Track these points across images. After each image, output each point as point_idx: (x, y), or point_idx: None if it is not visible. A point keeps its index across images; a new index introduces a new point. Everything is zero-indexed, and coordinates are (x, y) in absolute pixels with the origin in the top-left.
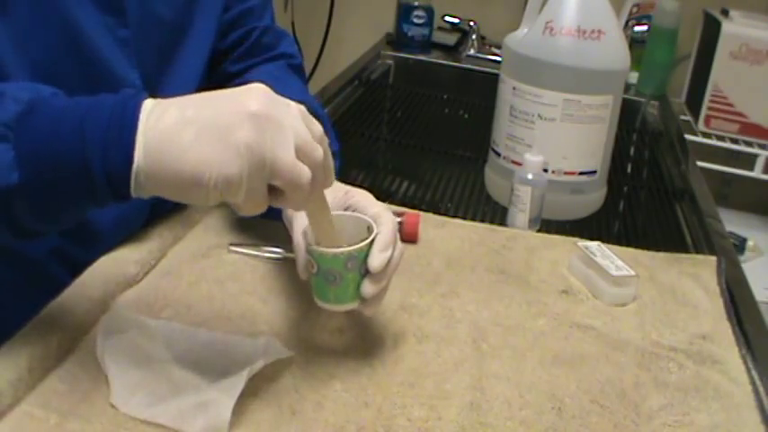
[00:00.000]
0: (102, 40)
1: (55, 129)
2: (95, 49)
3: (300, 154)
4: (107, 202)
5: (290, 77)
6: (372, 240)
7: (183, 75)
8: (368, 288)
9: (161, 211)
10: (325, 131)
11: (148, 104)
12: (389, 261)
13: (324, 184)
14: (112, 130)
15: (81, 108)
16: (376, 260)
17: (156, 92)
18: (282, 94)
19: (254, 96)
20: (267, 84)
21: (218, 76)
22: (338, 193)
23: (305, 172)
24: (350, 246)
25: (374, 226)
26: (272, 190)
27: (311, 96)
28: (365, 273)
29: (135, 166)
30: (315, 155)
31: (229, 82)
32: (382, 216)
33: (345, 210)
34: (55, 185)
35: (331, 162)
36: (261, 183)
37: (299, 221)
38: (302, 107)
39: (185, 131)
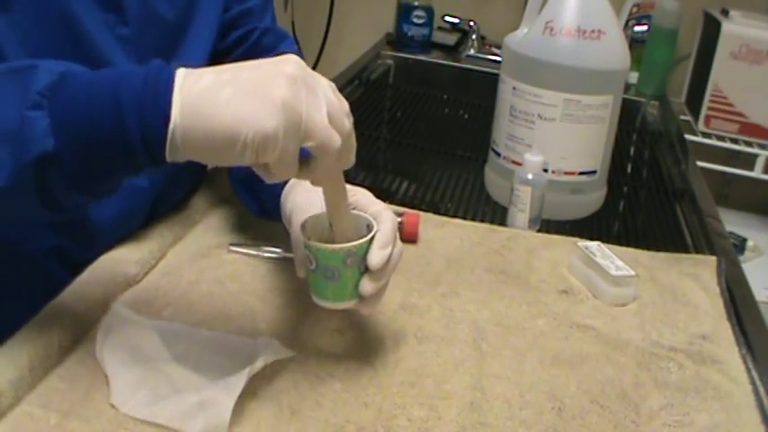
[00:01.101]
0: (102, 38)
1: (89, 95)
2: (96, 47)
3: (332, 120)
4: (143, 166)
5: None
6: (372, 238)
7: None
8: (367, 286)
9: (161, 211)
10: None
11: (183, 71)
12: (389, 259)
13: (347, 159)
14: (148, 93)
15: (115, 76)
16: (375, 257)
17: None
18: None
19: (290, 63)
20: None
21: None
22: (340, 192)
23: (336, 137)
24: (349, 243)
25: (374, 224)
26: (301, 162)
27: None
28: (364, 270)
29: (172, 125)
30: (345, 124)
31: None
32: (382, 214)
33: None
34: (91, 151)
35: (354, 141)
36: (295, 142)
37: (298, 218)
38: (332, 83)
39: (223, 90)
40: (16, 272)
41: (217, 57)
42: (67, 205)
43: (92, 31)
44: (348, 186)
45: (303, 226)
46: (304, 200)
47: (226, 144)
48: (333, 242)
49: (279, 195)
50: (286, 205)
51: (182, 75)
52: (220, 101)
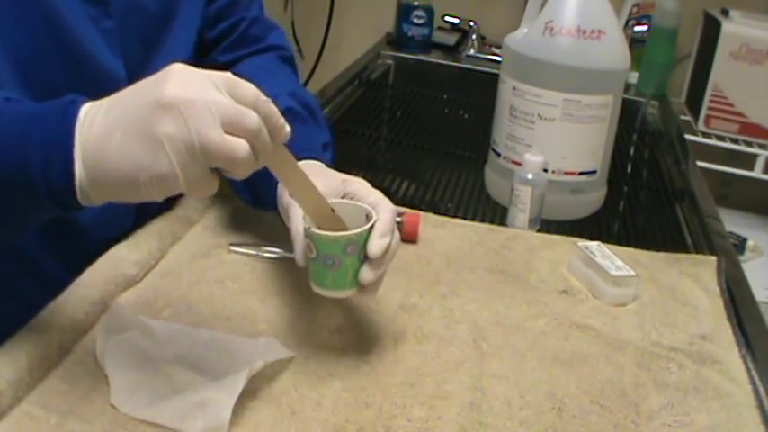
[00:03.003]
0: (85, 31)
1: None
2: (79, 41)
3: (229, 128)
4: (52, 213)
5: (281, 69)
6: (372, 226)
7: (166, 65)
8: (367, 274)
9: (149, 210)
10: (316, 121)
11: (82, 113)
12: (388, 248)
13: (279, 136)
14: (52, 146)
15: (24, 119)
16: (375, 246)
17: (141, 80)
18: (270, 86)
19: (167, 82)
20: (259, 75)
21: (208, 66)
22: (335, 182)
23: (238, 146)
24: (350, 231)
25: (373, 213)
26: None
27: (302, 87)
28: (364, 259)
29: (77, 182)
30: (246, 122)
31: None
32: (381, 204)
33: (343, 198)
34: None
35: (277, 118)
36: (199, 169)
37: (297, 208)
38: (228, 74)
39: (112, 137)
40: (8, 268)
41: (205, 48)
42: None
43: (75, 26)
44: (345, 176)
45: (305, 216)
46: None
47: (131, 190)
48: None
49: (274, 186)
50: (284, 196)
51: (80, 120)
52: (112, 149)
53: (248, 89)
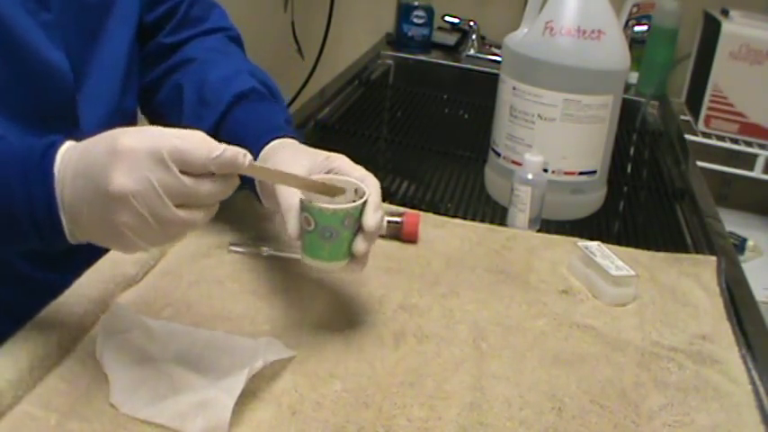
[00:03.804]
0: (24, 25)
1: None
2: (19, 35)
3: (183, 202)
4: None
5: (233, 49)
6: (365, 201)
7: (110, 54)
8: (361, 245)
9: None
10: (276, 99)
11: (56, 174)
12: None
13: (244, 170)
14: (38, 204)
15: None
16: (371, 219)
17: (85, 72)
18: (228, 67)
19: (115, 171)
20: (213, 57)
21: (155, 49)
22: (319, 158)
23: (192, 218)
24: (347, 204)
25: (363, 188)
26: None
27: (254, 65)
28: (356, 231)
29: (67, 233)
30: (197, 196)
31: (170, 54)
32: (367, 178)
33: (327, 173)
34: None
35: (235, 162)
36: (164, 236)
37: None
38: (174, 144)
39: (81, 213)
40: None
41: (148, 32)
42: None
43: (13, 20)
44: (327, 153)
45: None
46: (288, 167)
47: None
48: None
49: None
50: None
51: (57, 180)
52: (84, 225)
53: (197, 157)
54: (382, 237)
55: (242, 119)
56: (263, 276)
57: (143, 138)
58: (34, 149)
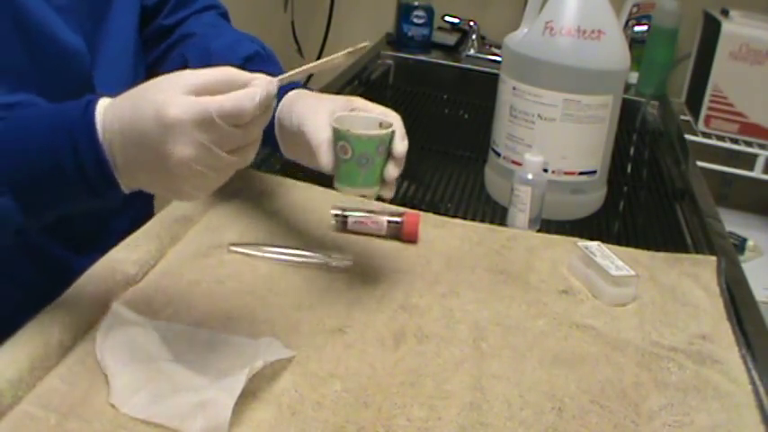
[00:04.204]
0: (41, 10)
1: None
2: (37, 20)
3: (236, 148)
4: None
5: (226, 24)
6: (393, 130)
7: (118, 36)
8: (392, 170)
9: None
10: (274, 60)
11: (100, 130)
12: None
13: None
14: (85, 158)
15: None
16: (400, 146)
17: (98, 55)
18: (228, 38)
19: (172, 141)
20: (212, 31)
21: (155, 30)
22: (339, 101)
23: (246, 156)
24: (381, 131)
25: (387, 120)
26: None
27: (246, 34)
28: (386, 159)
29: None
30: (247, 138)
31: (168, 34)
32: (389, 113)
33: (351, 112)
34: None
35: (270, 92)
36: (220, 180)
37: (313, 121)
38: (216, 113)
39: (137, 176)
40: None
41: (148, 16)
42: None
43: (31, 6)
44: (345, 97)
45: (338, 119)
46: (313, 110)
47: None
48: None
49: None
50: (291, 118)
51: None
52: (141, 182)
53: (245, 110)
54: (382, 237)
55: None
56: (263, 276)
57: (189, 106)
58: (73, 107)
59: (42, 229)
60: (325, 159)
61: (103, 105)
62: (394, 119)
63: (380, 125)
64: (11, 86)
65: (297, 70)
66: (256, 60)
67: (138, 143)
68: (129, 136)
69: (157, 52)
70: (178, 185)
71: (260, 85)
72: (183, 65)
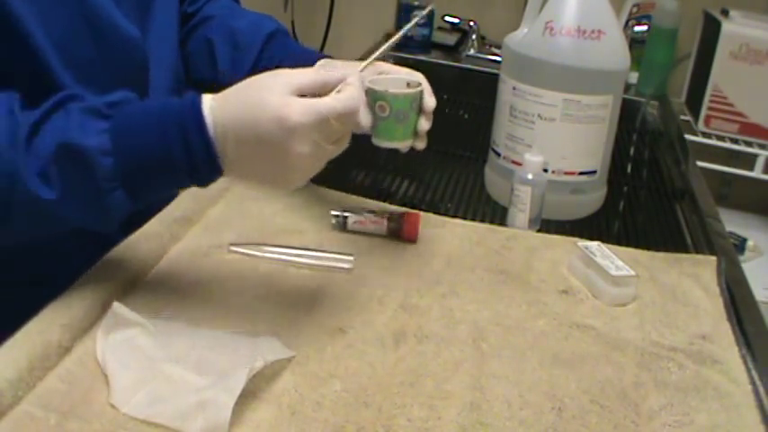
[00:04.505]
0: (105, 3)
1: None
2: (101, 13)
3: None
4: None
5: (238, 7)
6: (422, 88)
7: (162, 25)
8: (425, 124)
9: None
10: (286, 35)
11: (209, 125)
12: None
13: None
14: (196, 149)
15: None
16: (430, 101)
17: (148, 43)
18: (248, 18)
19: (294, 142)
20: (230, 13)
21: (180, 18)
22: (370, 68)
23: (343, 144)
24: (412, 89)
25: (414, 80)
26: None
27: (260, 13)
28: (418, 114)
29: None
30: (347, 130)
31: (190, 19)
32: (414, 73)
33: (378, 75)
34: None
35: (361, 93)
36: (320, 167)
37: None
38: (331, 115)
39: (247, 171)
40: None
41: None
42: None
43: (96, 1)
44: (372, 62)
45: (372, 82)
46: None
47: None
48: None
49: None
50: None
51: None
52: (247, 175)
53: (353, 111)
54: (382, 237)
55: (279, 54)
56: (263, 276)
57: (309, 111)
58: (179, 104)
59: None
60: (365, 119)
61: (208, 102)
62: (420, 77)
63: (408, 84)
64: (82, 79)
65: (375, 54)
66: (278, 37)
67: (258, 142)
68: (245, 135)
69: (180, 36)
70: (289, 177)
71: (354, 83)
72: (209, 47)
